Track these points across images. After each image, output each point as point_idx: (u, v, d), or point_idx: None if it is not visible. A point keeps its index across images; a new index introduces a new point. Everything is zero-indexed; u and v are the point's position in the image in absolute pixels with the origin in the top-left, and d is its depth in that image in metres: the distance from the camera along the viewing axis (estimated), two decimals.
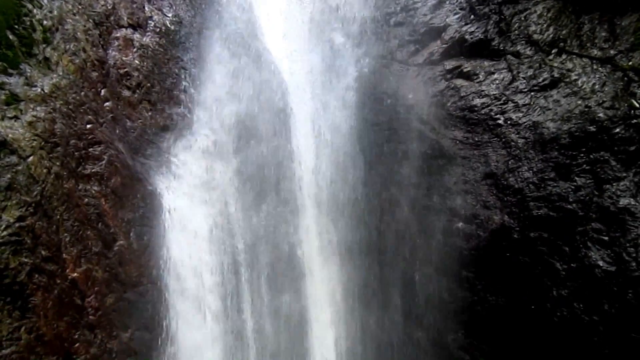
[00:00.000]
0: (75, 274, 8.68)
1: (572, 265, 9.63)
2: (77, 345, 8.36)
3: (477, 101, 11.84)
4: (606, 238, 9.31)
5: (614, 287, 8.90)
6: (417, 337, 11.46)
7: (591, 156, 9.88)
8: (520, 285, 10.27)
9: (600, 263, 9.19)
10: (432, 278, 11.59)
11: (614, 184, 9.54)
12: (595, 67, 10.26)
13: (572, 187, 10.05)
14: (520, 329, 10.05)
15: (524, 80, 11.09)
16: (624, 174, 9.48)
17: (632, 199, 9.24)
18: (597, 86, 10.13)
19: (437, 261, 11.62)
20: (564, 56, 10.74)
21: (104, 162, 9.66)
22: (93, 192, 9.42)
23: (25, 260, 7.90)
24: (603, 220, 9.44)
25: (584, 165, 9.97)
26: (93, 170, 9.54)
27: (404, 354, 11.45)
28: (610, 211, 9.39)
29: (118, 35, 11.01)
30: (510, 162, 11.19)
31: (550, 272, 9.85)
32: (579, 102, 10.26)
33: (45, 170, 8.58)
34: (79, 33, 10.00)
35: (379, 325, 11.85)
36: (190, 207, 10.98)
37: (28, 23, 9.05)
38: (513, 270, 10.43)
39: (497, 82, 11.52)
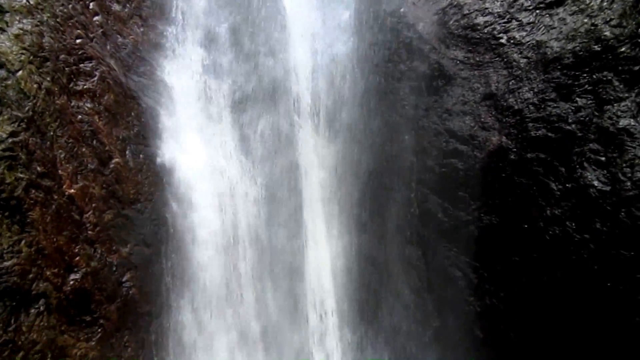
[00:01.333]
0: (72, 190, 8.71)
1: (567, 185, 9.67)
2: (77, 258, 8.52)
3: (480, 19, 11.47)
4: (603, 158, 9.29)
5: (607, 206, 8.98)
6: (410, 255, 11.70)
7: (594, 76, 9.68)
8: (514, 205, 10.37)
9: (596, 183, 9.22)
10: (428, 198, 11.69)
11: (615, 104, 9.40)
12: None
13: (573, 107, 9.93)
14: (512, 248, 10.24)
15: None
16: (626, 94, 9.33)
17: (632, 120, 9.14)
18: (605, 3, 9.77)
19: (433, 181, 11.68)
20: None
21: (95, 78, 9.44)
22: (86, 109, 9.27)
23: (21, 175, 7.90)
24: (601, 141, 9.39)
25: (586, 86, 9.79)
26: (85, 87, 9.35)
27: (397, 270, 11.73)
28: (609, 132, 9.32)
29: None
30: (511, 83, 11.00)
31: (545, 192, 9.92)
32: (586, 20, 9.93)
33: (35, 86, 8.40)
34: None
35: (373, 243, 12.07)
36: (186, 124, 10.85)
37: None
38: (508, 190, 10.50)
39: None
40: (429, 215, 11.64)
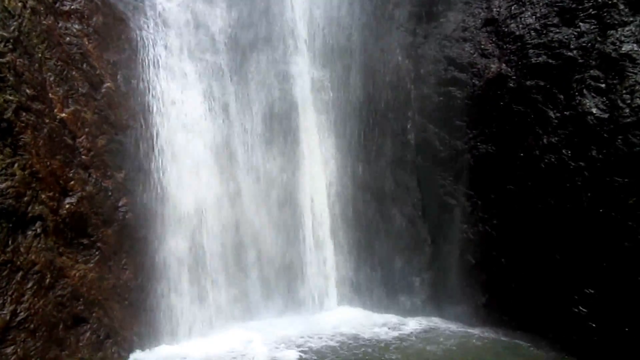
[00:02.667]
0: (64, 114, 8.59)
1: (565, 113, 9.57)
2: (72, 182, 8.52)
3: None
4: (603, 85, 9.15)
5: (604, 133, 8.92)
6: (406, 182, 11.74)
7: (599, 0, 9.40)
8: (511, 133, 10.31)
9: (594, 110, 9.12)
10: (424, 127, 11.61)
11: (618, 29, 9.16)
12: None
13: (575, 33, 9.68)
14: (507, 176, 10.26)
15: None
16: (631, 19, 9.08)
17: (635, 45, 8.92)
18: None
19: (430, 110, 11.55)
20: None
21: None
22: (74, 30, 9.00)
23: (10, 98, 7.76)
24: (602, 67, 9.21)
25: (590, 10, 9.52)
26: (72, 7, 9.04)
27: (392, 199, 11.81)
28: (611, 57, 9.12)
29: None
30: (513, 8, 10.68)
31: (543, 120, 9.83)
32: None
33: (20, 4, 8.12)
34: None
35: (369, 172, 12.07)
36: (177, 51, 10.58)
37: None
38: (505, 119, 10.41)
39: None
40: (425, 144, 11.60)
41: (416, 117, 11.82)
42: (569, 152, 9.41)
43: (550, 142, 9.70)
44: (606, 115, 9.00)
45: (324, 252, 11.95)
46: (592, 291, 8.84)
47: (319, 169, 12.09)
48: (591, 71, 9.33)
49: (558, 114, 9.68)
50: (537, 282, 9.65)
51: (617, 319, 8.40)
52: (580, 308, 8.97)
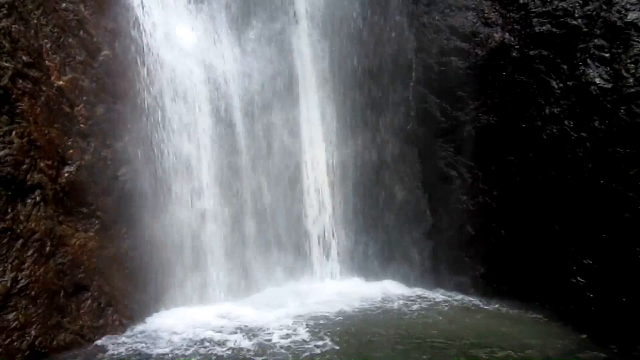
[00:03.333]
0: (61, 82, 8.50)
1: (567, 83, 9.47)
2: (70, 151, 8.48)
3: None
4: (607, 55, 9.03)
5: (607, 104, 8.83)
6: (406, 153, 11.69)
7: None
8: (513, 104, 10.23)
9: (597, 80, 9.01)
10: (426, 97, 11.50)
11: None
12: None
13: (580, 1, 9.54)
14: (508, 147, 10.22)
15: None
16: None
17: None
18: None
19: (432, 80, 11.43)
20: None
21: None
22: None
23: (6, 64, 7.67)
24: (607, 36, 9.08)
25: None
26: None
27: (393, 170, 11.78)
28: (617, 26, 8.99)
29: None
30: None
31: (545, 90, 9.73)
32: None
33: None
34: None
35: (370, 143, 12.01)
36: (176, 17, 10.42)
37: None
38: (508, 89, 10.32)
39: None
40: (426, 114, 11.50)
41: (417, 88, 11.70)
42: (571, 122, 9.34)
43: (552, 113, 9.61)
44: (609, 85, 8.90)
45: (324, 223, 11.97)
46: (591, 262, 8.87)
47: (319, 139, 12.01)
48: (595, 40, 9.20)
49: (561, 84, 9.58)
50: (536, 253, 9.68)
51: (614, 289, 8.44)
52: (579, 279, 9.01)
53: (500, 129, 10.44)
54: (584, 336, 8.16)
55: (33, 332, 7.45)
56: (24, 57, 7.93)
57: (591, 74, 9.10)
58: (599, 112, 8.94)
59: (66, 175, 8.37)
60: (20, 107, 7.78)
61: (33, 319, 7.49)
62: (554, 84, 9.66)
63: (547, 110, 9.69)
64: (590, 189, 8.90)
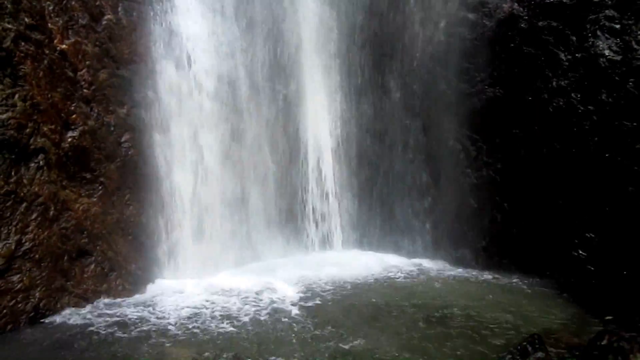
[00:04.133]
0: (64, 46, 8.42)
1: (576, 55, 9.34)
2: (73, 116, 8.45)
3: None
4: (617, 26, 8.88)
5: (615, 76, 8.72)
6: (411, 125, 11.62)
7: None
8: (520, 76, 10.10)
9: (607, 52, 8.89)
10: (432, 69, 11.37)
11: None
12: None
13: None
14: (513, 120, 10.13)
15: None
16: None
17: None
18: None
19: (438, 52, 11.29)
20: None
21: None
22: None
23: (9, 26, 7.59)
24: (618, 7, 8.91)
25: None
26: None
27: (396, 142, 11.72)
28: None
29: None
30: None
31: (553, 62, 9.60)
32: None
33: None
34: None
35: (374, 114, 11.93)
36: None
37: None
38: (515, 61, 10.17)
39: None
40: (432, 87, 11.39)
41: (424, 60, 11.56)
42: (578, 95, 9.24)
43: (559, 86, 9.51)
44: (619, 58, 8.78)
45: (327, 195, 11.98)
46: (593, 235, 8.88)
47: (324, 110, 11.94)
48: (606, 11, 9.03)
49: (569, 56, 9.45)
50: (538, 226, 9.69)
51: (615, 262, 8.46)
52: (580, 252, 9.03)
53: (506, 101, 10.33)
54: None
55: (37, 295, 7.54)
56: (26, 19, 7.84)
57: (600, 45, 8.97)
58: (607, 84, 8.84)
59: (69, 140, 8.35)
60: (22, 69, 7.72)
61: (37, 282, 7.57)
62: (562, 56, 9.53)
63: (554, 83, 9.58)
64: (595, 162, 8.85)
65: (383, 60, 11.84)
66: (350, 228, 12.08)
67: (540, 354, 6.24)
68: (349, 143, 12.10)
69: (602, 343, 6.42)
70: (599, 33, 9.07)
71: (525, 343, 6.42)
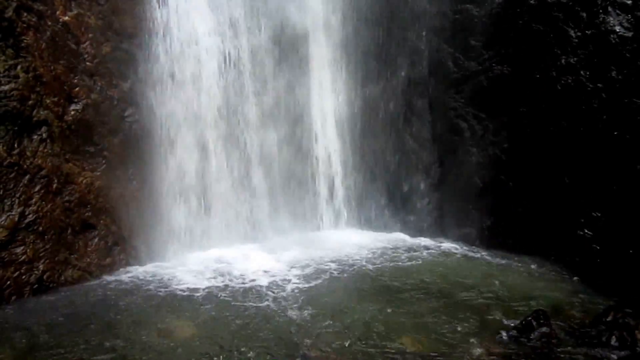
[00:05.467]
0: (67, 18, 8.33)
1: (586, 32, 9.19)
2: (76, 89, 8.39)
3: None
4: (629, 2, 8.73)
5: (626, 53, 8.59)
6: (417, 104, 11.49)
7: None
8: (528, 54, 9.96)
9: (617, 29, 8.74)
10: (439, 47, 11.22)
11: None
12: None
13: None
14: (520, 99, 10.01)
15: None
16: None
17: None
18: None
19: (446, 29, 11.13)
20: None
21: None
22: None
23: None
24: None
25: None
26: None
27: (402, 121, 11.61)
28: None
29: None
30: None
31: (563, 39, 9.46)
32: None
33: None
34: None
35: (379, 93, 11.79)
36: None
37: None
38: (523, 38, 10.03)
39: None
40: (438, 64, 11.25)
41: (431, 37, 11.40)
42: (588, 73, 9.12)
43: (568, 63, 9.38)
44: (630, 34, 8.64)
45: (331, 173, 11.91)
46: (599, 214, 8.81)
47: (328, 88, 11.81)
48: None
49: (579, 33, 9.30)
50: (543, 205, 9.61)
51: (622, 241, 8.41)
52: (586, 231, 8.97)
53: (513, 79, 10.20)
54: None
55: (41, 267, 7.55)
56: None
57: (611, 22, 8.83)
58: (617, 61, 8.71)
59: (72, 113, 8.30)
60: (25, 40, 7.66)
61: (41, 254, 7.57)
62: (571, 32, 9.38)
63: (562, 60, 9.45)
64: (603, 140, 8.76)
65: (389, 38, 11.66)
66: (355, 206, 12.01)
67: (544, 329, 6.22)
68: (354, 121, 11.97)
69: (608, 319, 6.41)
70: (609, 9, 8.92)
71: (529, 318, 6.41)
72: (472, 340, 6.33)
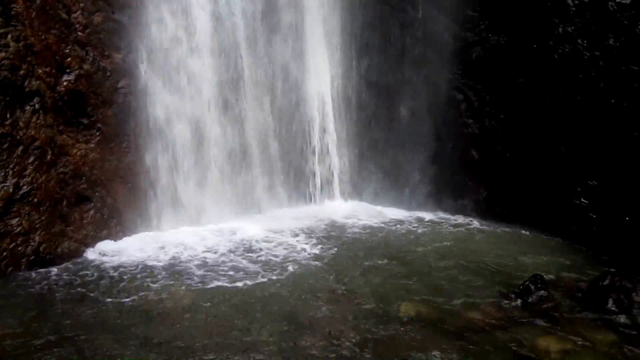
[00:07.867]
0: None
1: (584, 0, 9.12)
2: (68, 59, 8.24)
3: None
4: None
5: (624, 20, 8.53)
6: (412, 77, 11.37)
7: None
8: (525, 24, 9.87)
9: None
10: (435, 18, 11.08)
11: None
12: None
13: None
14: (517, 69, 9.94)
15: None
16: None
17: None
18: None
19: (442, 0, 10.98)
20: None
21: None
22: None
23: None
24: None
25: None
26: None
27: (398, 93, 11.51)
28: None
29: None
30: None
31: (560, 8, 9.37)
32: None
33: None
34: None
35: (375, 66, 11.66)
36: None
37: None
38: (520, 8, 9.93)
39: None
40: (435, 37, 11.12)
41: (426, 9, 11.24)
42: (585, 41, 9.06)
43: (565, 32, 9.31)
44: (628, 1, 8.56)
45: (328, 146, 11.83)
46: (595, 183, 8.84)
47: (325, 62, 11.66)
48: None
49: (577, 1, 9.22)
50: (540, 176, 9.64)
51: (617, 209, 8.45)
52: (582, 200, 9.02)
53: (509, 49, 10.12)
54: None
55: (37, 238, 7.49)
56: None
57: None
58: (615, 29, 8.65)
59: (65, 83, 8.18)
60: (14, 9, 7.49)
61: (37, 226, 7.51)
62: (569, 1, 9.29)
63: (560, 29, 9.38)
64: (600, 109, 8.74)
65: (384, 10, 11.49)
66: (351, 180, 11.97)
67: (542, 292, 6.26)
68: (350, 95, 11.85)
69: (605, 283, 6.46)
70: None
71: (527, 282, 6.45)
72: (472, 303, 6.40)
